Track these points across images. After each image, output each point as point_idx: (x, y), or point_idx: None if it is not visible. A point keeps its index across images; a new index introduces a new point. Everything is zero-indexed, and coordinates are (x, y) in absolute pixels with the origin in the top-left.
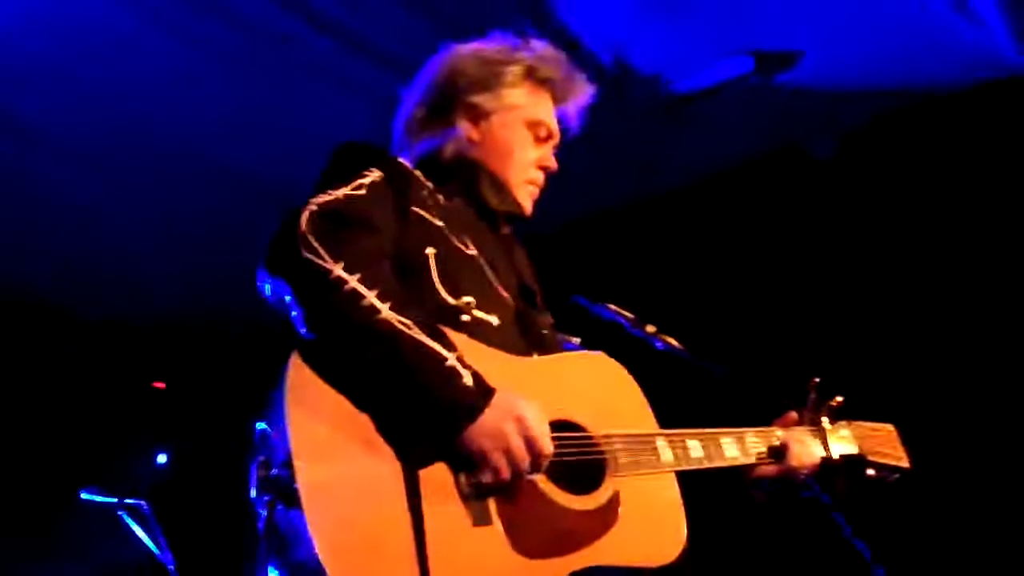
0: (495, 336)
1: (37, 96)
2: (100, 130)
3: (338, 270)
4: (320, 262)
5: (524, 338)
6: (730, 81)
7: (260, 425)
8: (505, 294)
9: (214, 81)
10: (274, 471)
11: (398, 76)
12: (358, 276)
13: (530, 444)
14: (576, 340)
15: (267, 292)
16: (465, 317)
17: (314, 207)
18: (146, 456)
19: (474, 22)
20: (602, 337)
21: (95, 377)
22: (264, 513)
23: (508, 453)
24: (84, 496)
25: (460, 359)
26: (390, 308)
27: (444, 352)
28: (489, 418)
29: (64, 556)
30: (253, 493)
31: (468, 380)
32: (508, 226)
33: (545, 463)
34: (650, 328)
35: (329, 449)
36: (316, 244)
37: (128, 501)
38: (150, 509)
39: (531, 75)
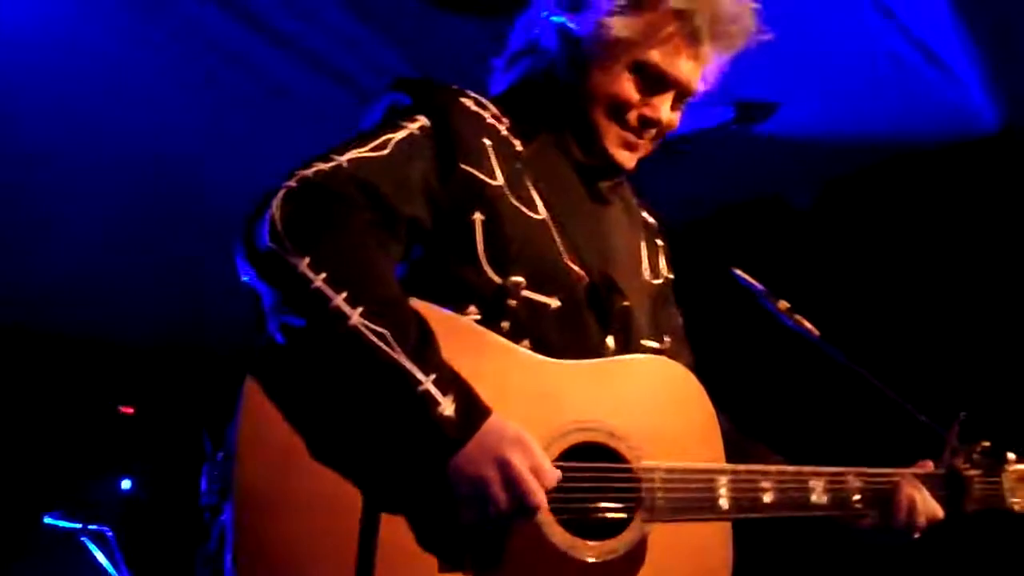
0: (549, 323)
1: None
2: (70, 141)
3: (303, 265)
4: (284, 255)
5: (596, 319)
6: (710, 129)
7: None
8: (576, 268)
9: (181, 99)
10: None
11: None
12: (325, 274)
13: (517, 494)
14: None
15: (246, 281)
16: (512, 301)
17: (292, 182)
18: (110, 482)
19: (435, 44)
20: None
21: (60, 399)
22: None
23: (491, 504)
24: (47, 521)
25: (440, 381)
26: (362, 314)
27: (418, 374)
28: (469, 456)
29: None
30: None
31: (447, 409)
32: (607, 180)
33: (536, 516)
34: (783, 304)
35: (277, 474)
36: (282, 231)
37: (91, 527)
38: (113, 535)
39: (650, 2)
